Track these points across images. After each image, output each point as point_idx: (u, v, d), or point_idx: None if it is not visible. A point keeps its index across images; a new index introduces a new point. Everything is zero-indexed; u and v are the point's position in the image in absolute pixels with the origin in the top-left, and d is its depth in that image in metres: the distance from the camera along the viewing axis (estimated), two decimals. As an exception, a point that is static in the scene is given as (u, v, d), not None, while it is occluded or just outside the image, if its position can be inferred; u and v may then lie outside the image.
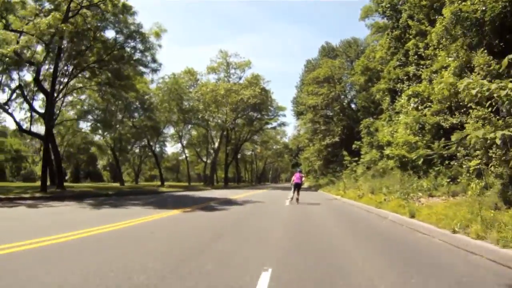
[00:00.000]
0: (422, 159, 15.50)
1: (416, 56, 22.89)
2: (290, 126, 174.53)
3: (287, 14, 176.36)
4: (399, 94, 24.08)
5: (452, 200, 10.28)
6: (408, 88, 23.01)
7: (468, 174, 11.58)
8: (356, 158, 33.66)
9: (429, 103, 17.42)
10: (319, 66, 50.42)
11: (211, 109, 44.42)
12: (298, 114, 53.27)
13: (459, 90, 9.34)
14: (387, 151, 23.39)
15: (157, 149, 56.81)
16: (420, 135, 16.65)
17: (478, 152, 11.03)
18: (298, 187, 16.63)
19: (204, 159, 68.84)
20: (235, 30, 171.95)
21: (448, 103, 15.43)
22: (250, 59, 48.38)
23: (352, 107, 49.55)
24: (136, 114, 42.76)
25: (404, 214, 9.60)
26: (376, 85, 39.29)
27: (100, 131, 40.67)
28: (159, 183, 47.16)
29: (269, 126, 61.52)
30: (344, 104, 47.33)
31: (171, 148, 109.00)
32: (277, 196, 24.34)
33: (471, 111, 10.20)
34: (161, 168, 65.99)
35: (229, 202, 16.20)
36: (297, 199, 16.27)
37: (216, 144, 47.85)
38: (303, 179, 17.96)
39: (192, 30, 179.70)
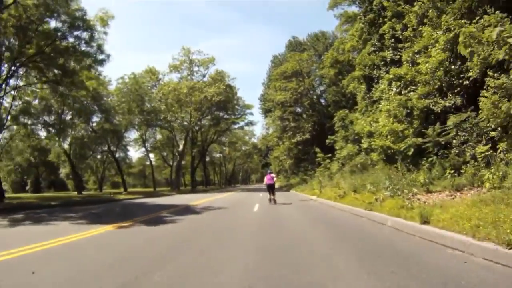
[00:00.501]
0: (412, 149, 13.27)
1: (392, 40, 21.25)
2: (258, 126, 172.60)
3: (254, 15, 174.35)
4: (375, 81, 22.15)
5: (466, 197, 7.87)
6: (387, 73, 21.19)
7: (475, 163, 9.39)
8: (330, 155, 31.59)
9: (413, 87, 15.38)
10: (286, 61, 48.24)
11: (173, 109, 41.17)
12: (266, 111, 50.82)
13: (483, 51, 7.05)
14: (365, 144, 21.30)
15: (120, 154, 52.99)
16: (407, 122, 14.43)
17: (493, 133, 8.81)
18: (271, 188, 16.66)
19: (171, 163, 65.40)
20: (202, 33, 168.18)
21: (438, 83, 13.34)
22: (216, 61, 45.25)
23: (322, 103, 47.69)
24: (95, 118, 39.08)
25: (411, 219, 7.07)
26: (347, 77, 37.72)
27: (56, 137, 36.49)
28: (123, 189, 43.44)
29: (237, 126, 58.64)
30: (314, 99, 45.32)
31: (136, 153, 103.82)
32: (245, 199, 21.65)
33: (487, 80, 7.88)
34: (124, 174, 62.08)
35: (185, 211, 13.27)
36: (274, 200, 16.12)
37: (181, 147, 44.54)
38: (275, 179, 18.18)
39: (157, 36, 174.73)
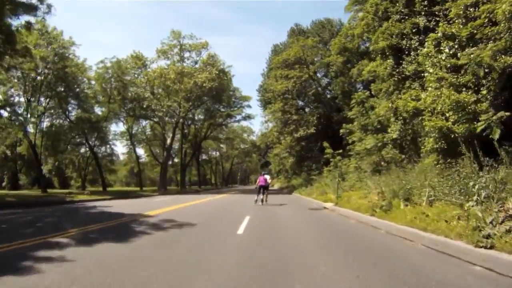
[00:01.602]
0: (497, 130, 8.09)
1: (425, 2, 15.92)
2: (257, 122, 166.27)
3: (254, 14, 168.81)
4: (406, 52, 17.09)
5: None
6: (420, 44, 16.39)
7: None
8: (341, 151, 26.43)
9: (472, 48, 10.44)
10: (288, 47, 42.85)
11: (159, 97, 35.96)
12: (265, 103, 45.45)
13: None
14: (393, 134, 16.17)
15: (106, 150, 47.68)
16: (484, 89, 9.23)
17: None
18: (265, 188, 16.88)
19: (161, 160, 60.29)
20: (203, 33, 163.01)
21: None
22: (209, 46, 39.66)
23: (327, 95, 42.33)
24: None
25: None
26: (357, 65, 32.78)
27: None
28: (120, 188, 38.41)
29: (233, 120, 52.96)
30: (319, 89, 39.91)
31: (124, 148, 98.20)
32: (234, 206, 16.39)
33: None
34: (109, 171, 56.65)
35: (112, 232, 7.43)
36: (265, 200, 16.43)
37: (169, 141, 39.09)
38: (269, 180, 18.22)
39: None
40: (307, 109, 41.62)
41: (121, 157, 72.92)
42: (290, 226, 8.39)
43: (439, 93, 10.38)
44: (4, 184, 53.77)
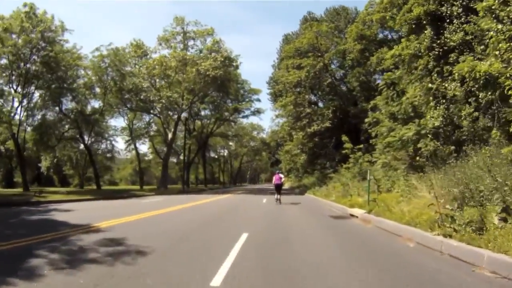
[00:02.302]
0: None
1: None
2: (267, 116, 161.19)
3: (263, 11, 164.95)
4: (447, 20, 13.70)
5: None
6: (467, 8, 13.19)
7: None
8: (361, 146, 23.20)
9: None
10: (301, 35, 39.35)
11: (159, 87, 32.95)
12: (276, 96, 42.07)
13: None
14: (435, 120, 12.86)
15: (107, 146, 44.84)
16: None
17: None
18: (279, 187, 17.03)
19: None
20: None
21: None
22: (215, 33, 36.18)
23: (343, 88, 38.74)
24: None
25: None
26: (376, 53, 29.77)
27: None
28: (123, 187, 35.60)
29: (241, 115, 49.49)
30: (334, 80, 36.35)
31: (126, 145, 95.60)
32: (234, 211, 13.15)
33: None
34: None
35: None
36: (280, 200, 16.33)
37: (170, 136, 35.96)
38: (283, 179, 18.22)
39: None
40: (320, 104, 38.21)
41: (128, 155, 70.30)
42: (311, 259, 5.03)
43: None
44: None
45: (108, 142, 44.55)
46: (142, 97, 30.88)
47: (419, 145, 13.34)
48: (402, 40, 16.78)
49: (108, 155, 46.95)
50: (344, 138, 22.57)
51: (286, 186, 55.60)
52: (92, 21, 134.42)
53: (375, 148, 20.92)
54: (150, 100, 31.06)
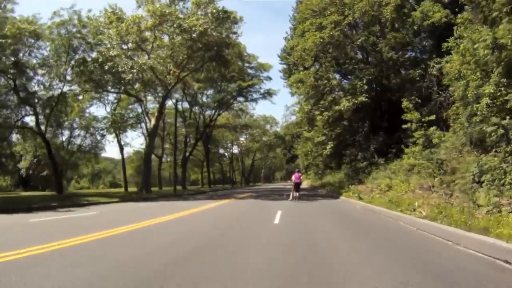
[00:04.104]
0: None
1: None
2: (279, 107, 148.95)
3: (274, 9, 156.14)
4: None
5: None
6: None
7: None
8: (432, 117, 14.67)
9: None
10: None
11: (130, 54, 24.43)
12: (291, 72, 32.94)
13: None
14: None
15: (92, 141, 36.63)
16: None
17: None
18: (297, 186, 17.63)
19: (165, 155, 49.51)
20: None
21: None
22: None
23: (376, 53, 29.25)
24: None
25: None
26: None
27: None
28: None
29: (249, 99, 40.03)
30: (369, 40, 26.77)
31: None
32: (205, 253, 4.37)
33: None
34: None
35: None
36: (297, 197, 16.97)
37: (152, 121, 27.21)
38: (301, 177, 20.16)
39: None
40: (351, 73, 28.89)
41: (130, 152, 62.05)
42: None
43: None
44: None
45: (90, 135, 36.47)
46: (106, 67, 22.22)
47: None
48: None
49: (92, 151, 38.73)
50: (405, 103, 13.73)
51: (304, 184, 46.70)
52: None
53: (448, 122, 13.76)
54: (118, 71, 22.41)
